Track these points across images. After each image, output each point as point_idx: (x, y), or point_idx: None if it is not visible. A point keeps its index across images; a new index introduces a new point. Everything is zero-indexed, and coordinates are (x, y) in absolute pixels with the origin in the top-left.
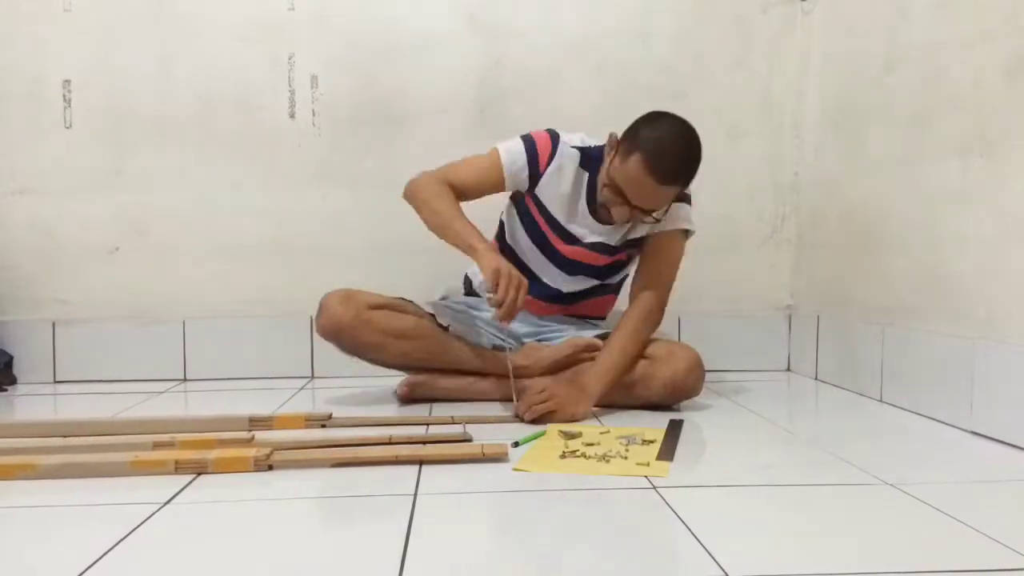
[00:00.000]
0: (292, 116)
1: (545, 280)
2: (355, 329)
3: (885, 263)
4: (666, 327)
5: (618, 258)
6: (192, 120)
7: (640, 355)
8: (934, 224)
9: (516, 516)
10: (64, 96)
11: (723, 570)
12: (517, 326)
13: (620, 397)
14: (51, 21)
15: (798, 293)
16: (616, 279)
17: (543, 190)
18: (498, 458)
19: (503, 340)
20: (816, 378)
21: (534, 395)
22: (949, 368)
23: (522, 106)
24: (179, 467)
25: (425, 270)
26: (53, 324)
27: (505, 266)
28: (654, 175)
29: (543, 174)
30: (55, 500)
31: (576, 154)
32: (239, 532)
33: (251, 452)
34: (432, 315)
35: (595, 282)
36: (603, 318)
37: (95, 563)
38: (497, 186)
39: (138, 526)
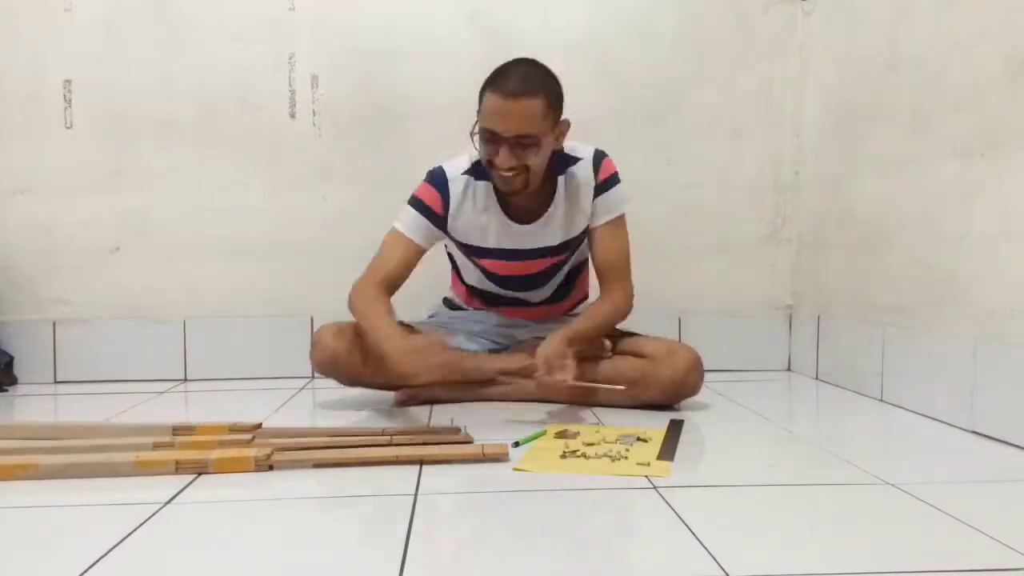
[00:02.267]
0: (292, 116)
1: (515, 296)
2: (351, 357)
3: (885, 263)
4: (666, 327)
5: (561, 258)
6: (192, 120)
7: (611, 323)
8: (935, 224)
9: (516, 516)
10: (64, 96)
11: (723, 570)
12: (518, 332)
13: (620, 397)
14: (51, 21)
15: (798, 293)
16: (575, 265)
17: (456, 228)
18: (498, 458)
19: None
20: (816, 378)
21: (551, 348)
22: (949, 368)
23: None
24: (180, 467)
25: (425, 270)
26: (53, 324)
27: (509, 366)
28: (504, 95)
29: (449, 218)
30: (55, 500)
31: (463, 177)
32: (239, 533)
33: (251, 452)
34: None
35: (556, 283)
36: (583, 300)
37: (96, 563)
38: (419, 254)
39: (137, 527)
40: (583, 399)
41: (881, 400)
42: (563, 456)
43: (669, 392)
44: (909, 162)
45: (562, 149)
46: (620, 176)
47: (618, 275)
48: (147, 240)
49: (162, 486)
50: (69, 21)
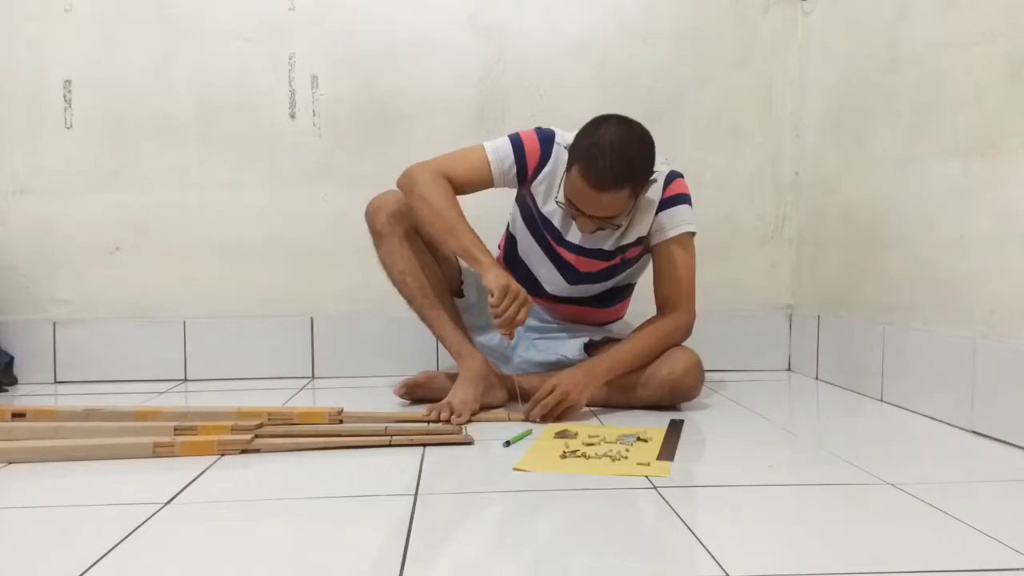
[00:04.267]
0: (292, 116)
1: (547, 285)
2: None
3: (886, 263)
4: None
5: (613, 263)
6: (193, 120)
7: (654, 359)
8: (935, 224)
9: (516, 516)
10: (64, 96)
11: (723, 570)
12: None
13: (620, 397)
14: (51, 21)
15: (799, 293)
16: (620, 283)
17: (538, 190)
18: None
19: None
20: (817, 378)
21: (543, 395)
22: (949, 368)
23: (522, 106)
24: (156, 450)
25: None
26: (54, 324)
27: (511, 284)
28: (591, 184)
29: (535, 176)
30: (58, 498)
31: (566, 154)
32: (239, 532)
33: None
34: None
35: (598, 288)
36: (616, 320)
37: (96, 563)
38: (487, 183)
39: (136, 528)
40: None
41: (881, 400)
42: (563, 456)
43: (667, 392)
44: (909, 162)
45: None
46: (690, 200)
47: (674, 299)
48: (147, 240)
49: (160, 486)
50: (69, 21)
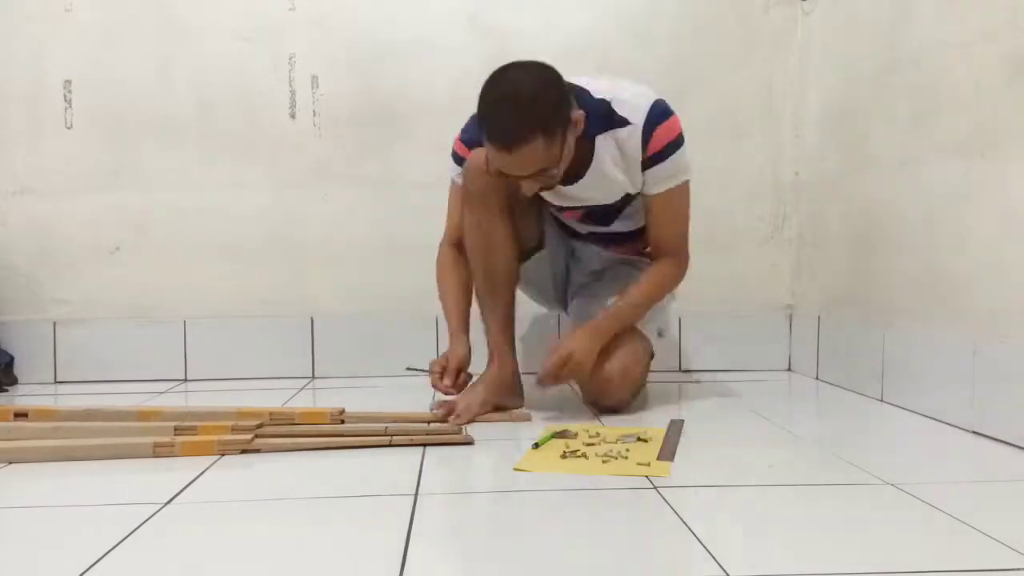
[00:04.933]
0: (293, 116)
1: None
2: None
3: (886, 263)
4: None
5: (606, 207)
6: (193, 120)
7: (654, 301)
8: (935, 224)
9: (516, 516)
10: (65, 96)
11: (723, 570)
12: (578, 247)
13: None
14: (52, 21)
15: (799, 293)
16: (631, 229)
17: None
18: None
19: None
20: (817, 378)
21: (550, 360)
22: (950, 368)
23: None
24: (156, 450)
25: (425, 270)
26: (54, 324)
27: (453, 365)
28: (497, 147)
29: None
30: (58, 498)
31: None
32: (239, 533)
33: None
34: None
35: (618, 227)
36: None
37: (99, 560)
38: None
39: (136, 528)
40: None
41: (881, 400)
42: (563, 456)
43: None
44: (909, 162)
45: (596, 101)
46: (680, 141)
47: (667, 247)
48: (147, 240)
49: (159, 486)
50: (69, 21)
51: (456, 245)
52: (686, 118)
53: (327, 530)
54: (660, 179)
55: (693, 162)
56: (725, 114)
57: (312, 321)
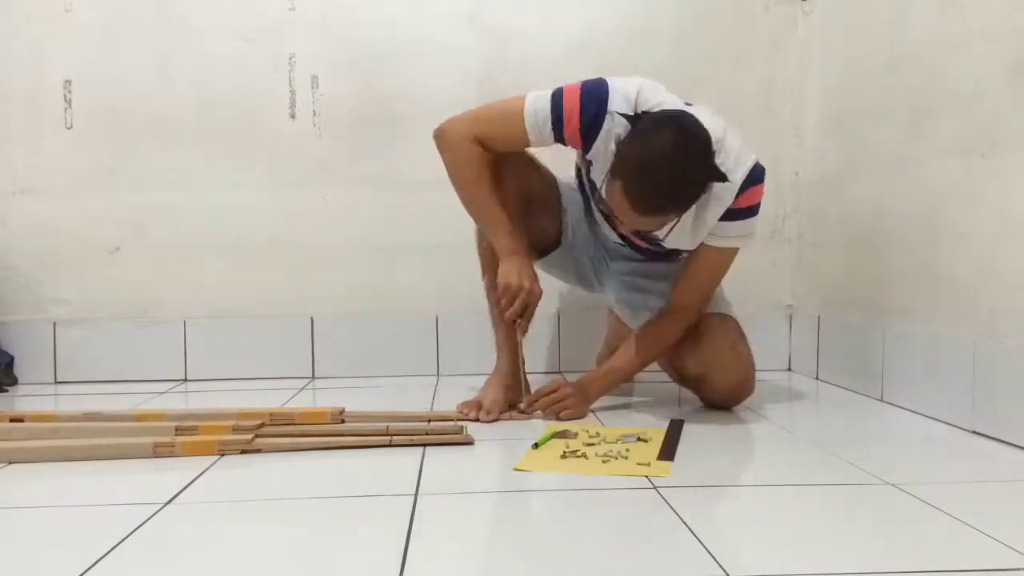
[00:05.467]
0: (293, 116)
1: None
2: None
3: (886, 263)
4: None
5: (658, 253)
6: (193, 120)
7: (660, 355)
8: (935, 224)
9: (516, 516)
10: (65, 96)
11: (724, 570)
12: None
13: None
14: (52, 21)
15: (799, 293)
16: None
17: (597, 160)
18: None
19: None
20: (817, 378)
21: (545, 391)
22: (949, 368)
23: None
24: (156, 450)
25: (425, 269)
26: (54, 324)
27: (515, 280)
28: (634, 207)
29: (589, 143)
30: (58, 498)
31: (622, 120)
32: (239, 533)
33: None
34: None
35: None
36: None
37: (99, 560)
38: (522, 145)
39: (136, 528)
40: None
41: (881, 400)
42: (563, 456)
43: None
44: (909, 162)
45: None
46: (758, 209)
47: (690, 303)
48: (147, 240)
49: (159, 486)
50: (69, 21)
51: (480, 144)
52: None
53: (327, 530)
54: (728, 234)
55: None
56: (725, 114)
57: (312, 321)
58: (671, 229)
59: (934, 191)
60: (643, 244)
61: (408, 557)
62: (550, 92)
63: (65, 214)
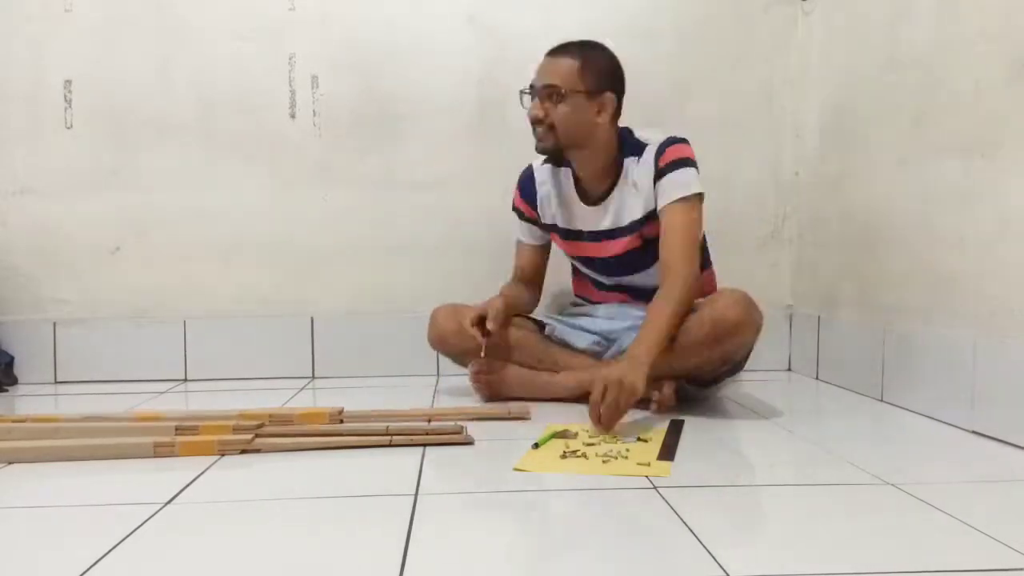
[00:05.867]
0: (293, 116)
1: (606, 280)
2: (459, 336)
3: (886, 263)
4: None
5: (633, 244)
6: (193, 120)
7: (677, 316)
8: (935, 224)
9: (516, 516)
10: (65, 96)
11: (724, 570)
12: (608, 323)
13: (670, 359)
14: (52, 21)
15: (799, 293)
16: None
17: (544, 213)
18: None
19: (598, 344)
20: (817, 378)
21: (596, 401)
22: (949, 368)
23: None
24: (157, 450)
25: (425, 270)
26: (54, 324)
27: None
28: (545, 56)
29: (539, 211)
30: (58, 498)
31: (544, 168)
32: (239, 533)
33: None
34: (537, 321)
35: (642, 278)
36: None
37: (99, 560)
38: (541, 250)
39: (136, 528)
40: None
41: (881, 400)
42: (563, 456)
43: (708, 330)
44: (909, 162)
45: (633, 136)
46: (691, 162)
47: (672, 262)
48: (147, 240)
49: (158, 486)
50: (69, 21)
51: (521, 280)
52: (686, 118)
53: (327, 530)
54: (668, 189)
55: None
56: (725, 114)
57: (312, 321)
58: (611, 204)
59: (934, 191)
60: (612, 248)
61: (408, 557)
62: (514, 212)
63: (65, 214)
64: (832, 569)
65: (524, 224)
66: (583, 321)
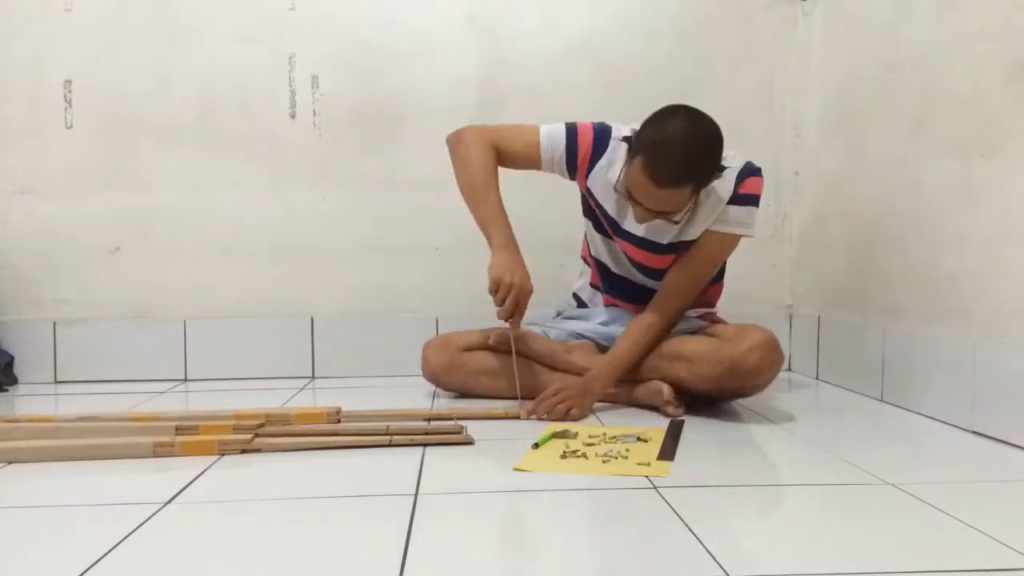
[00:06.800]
0: (293, 116)
1: (625, 276)
2: (449, 374)
3: (886, 263)
4: None
5: (670, 258)
6: (193, 120)
7: (657, 342)
8: (935, 224)
9: (516, 516)
10: (65, 96)
11: (724, 570)
12: (615, 328)
13: (681, 374)
14: (52, 21)
15: (799, 293)
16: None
17: (595, 184)
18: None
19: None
20: (817, 378)
21: (548, 395)
22: (949, 368)
23: (522, 106)
24: (156, 450)
25: (425, 270)
26: (54, 324)
27: (508, 273)
28: (653, 179)
29: (590, 169)
30: (58, 499)
31: (623, 145)
32: (239, 533)
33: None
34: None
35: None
36: (706, 307)
37: (99, 561)
38: (534, 164)
39: (136, 528)
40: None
41: (881, 400)
42: (563, 456)
43: (728, 368)
44: (909, 162)
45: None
46: (759, 200)
47: (678, 288)
48: (147, 240)
49: (159, 486)
50: (69, 21)
51: (495, 153)
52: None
53: (327, 530)
54: (729, 220)
55: None
56: (725, 114)
57: (312, 321)
58: (687, 214)
59: (934, 191)
60: (659, 241)
61: (408, 557)
62: (564, 123)
63: (65, 214)
64: (832, 569)
65: (561, 148)
66: (574, 324)
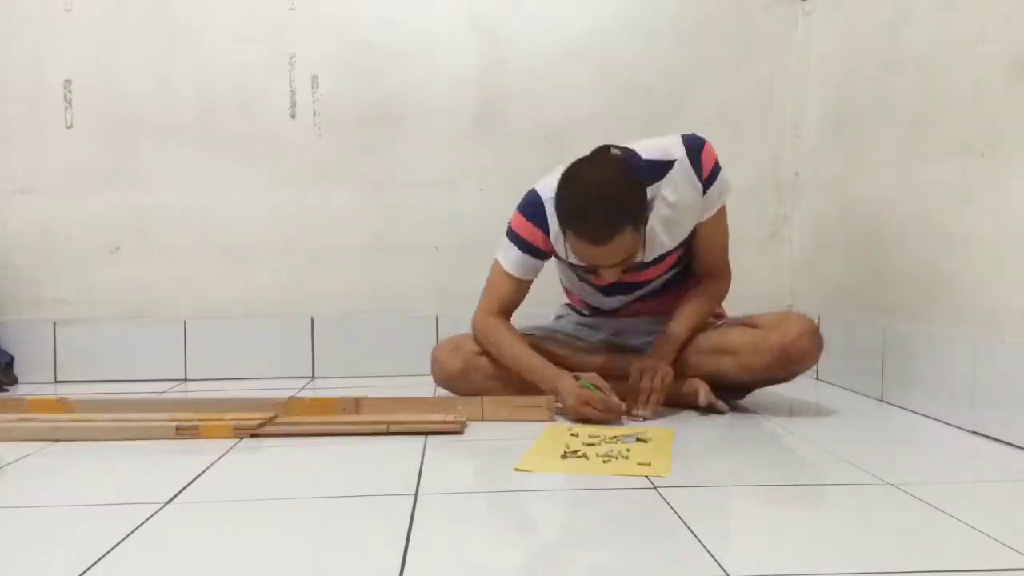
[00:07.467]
0: (293, 116)
1: (606, 301)
2: (465, 376)
3: (886, 263)
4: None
5: (665, 264)
6: (193, 120)
7: (705, 319)
8: (935, 224)
9: (517, 516)
10: (65, 96)
11: (724, 570)
12: (630, 338)
13: (726, 367)
14: (52, 21)
15: (799, 293)
16: (679, 271)
17: (559, 247)
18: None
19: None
20: (817, 378)
21: (639, 387)
22: (950, 368)
23: (522, 106)
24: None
25: (425, 269)
26: (54, 324)
27: (585, 394)
28: (591, 242)
29: (554, 243)
30: (65, 492)
31: (548, 196)
32: (239, 532)
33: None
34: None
35: (667, 279)
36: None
37: (102, 558)
38: (528, 285)
39: (137, 527)
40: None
41: (881, 400)
42: (563, 456)
43: (778, 356)
44: (909, 162)
45: (641, 158)
46: (719, 164)
47: (716, 268)
48: (147, 240)
49: (159, 486)
50: (69, 21)
51: (502, 315)
52: (686, 118)
53: (327, 530)
54: (712, 201)
55: None
56: (725, 114)
57: (312, 321)
58: (643, 247)
59: (934, 191)
60: (642, 276)
61: (408, 557)
62: (505, 233)
63: (65, 214)
64: (832, 569)
65: (522, 256)
66: (594, 339)
